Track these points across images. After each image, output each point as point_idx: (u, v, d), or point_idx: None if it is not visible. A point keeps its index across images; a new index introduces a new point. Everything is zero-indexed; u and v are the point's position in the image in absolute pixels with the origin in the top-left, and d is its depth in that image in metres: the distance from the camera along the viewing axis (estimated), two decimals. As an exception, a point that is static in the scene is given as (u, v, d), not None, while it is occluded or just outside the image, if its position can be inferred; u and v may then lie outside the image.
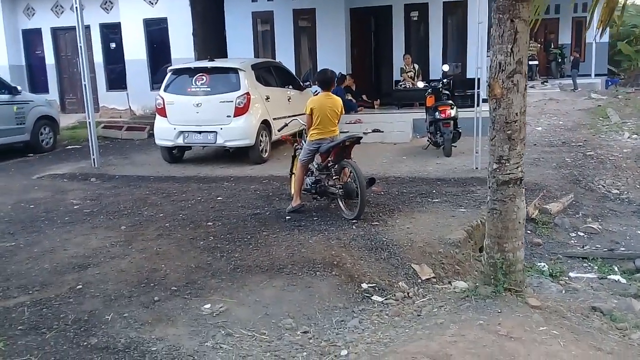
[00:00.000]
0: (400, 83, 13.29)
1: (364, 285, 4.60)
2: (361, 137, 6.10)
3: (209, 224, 6.18)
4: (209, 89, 9.46)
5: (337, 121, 6.46)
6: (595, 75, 20.51)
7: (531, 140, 10.96)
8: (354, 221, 5.91)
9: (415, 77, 12.99)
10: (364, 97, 13.60)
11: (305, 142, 6.71)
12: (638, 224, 6.60)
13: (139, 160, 10.62)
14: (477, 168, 8.35)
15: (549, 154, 9.42)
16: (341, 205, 6.13)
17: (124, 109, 15.77)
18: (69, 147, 12.62)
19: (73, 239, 5.82)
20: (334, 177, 6.10)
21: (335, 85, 12.67)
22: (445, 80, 10.40)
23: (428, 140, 10.07)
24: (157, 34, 14.73)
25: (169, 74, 9.90)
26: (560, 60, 21.45)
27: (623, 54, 23.63)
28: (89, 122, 9.88)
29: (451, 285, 4.73)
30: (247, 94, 9.33)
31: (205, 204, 7.08)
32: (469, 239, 5.56)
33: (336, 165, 6.10)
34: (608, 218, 6.80)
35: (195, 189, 8.00)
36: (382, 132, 11.10)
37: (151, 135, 13.12)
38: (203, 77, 9.52)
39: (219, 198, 7.36)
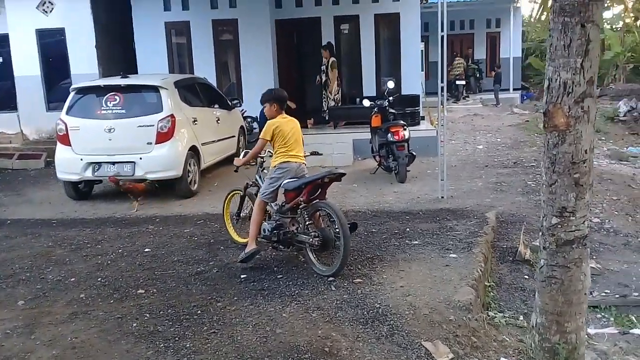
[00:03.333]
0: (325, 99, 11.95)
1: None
2: (344, 174, 4.91)
3: (140, 291, 4.72)
4: (123, 111, 7.89)
5: (301, 145, 5.27)
6: (514, 89, 20.72)
7: (479, 161, 10.34)
8: (331, 279, 4.70)
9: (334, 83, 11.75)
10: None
11: (260, 177, 5.42)
12: (637, 259, 5.91)
13: (36, 198, 8.78)
14: (442, 197, 7.43)
15: (507, 177, 8.71)
16: (312, 257, 4.89)
17: (15, 133, 13.50)
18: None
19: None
20: (306, 223, 4.84)
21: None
22: (391, 98, 9.48)
23: (380, 165, 9.05)
24: (53, 47, 12.73)
25: (72, 94, 8.20)
26: (478, 75, 21.50)
27: (534, 68, 24.24)
28: (-31, 153, 7.98)
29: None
30: (172, 116, 7.86)
31: (130, 260, 5.58)
32: (477, 297, 4.52)
33: (308, 207, 4.86)
34: (602, 254, 6.06)
35: (113, 237, 6.43)
36: (321, 154, 9.97)
37: (50, 163, 11.23)
38: (116, 96, 7.93)
39: (146, 250, 5.86)
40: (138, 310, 4.31)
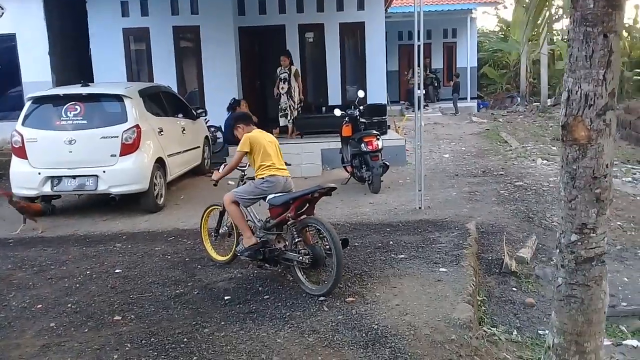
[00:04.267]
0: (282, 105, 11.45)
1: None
2: (335, 188, 4.69)
3: (117, 317, 4.36)
4: (85, 122, 7.45)
5: (282, 160, 5.06)
6: (471, 98, 21.05)
7: (448, 170, 10.34)
8: (322, 298, 4.48)
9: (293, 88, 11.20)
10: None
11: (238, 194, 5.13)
12: (621, 269, 5.92)
13: (-11, 215, 8.18)
14: (420, 208, 7.32)
15: (478, 186, 8.71)
16: (300, 276, 4.65)
17: (-40, 145, 12.72)
18: None
19: None
20: (295, 240, 4.60)
21: (229, 112, 11.32)
22: (361, 108, 9.36)
23: (352, 175, 8.89)
24: (3, 53, 12.07)
25: (28, 103, 7.69)
26: (436, 84, 21.75)
27: (488, 77, 24.75)
28: None
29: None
30: (137, 126, 7.47)
31: (100, 282, 5.19)
32: (475, 314, 4.38)
33: (296, 224, 4.62)
34: (584, 263, 6.04)
35: (79, 257, 6.00)
36: (290, 164, 9.76)
37: (1, 177, 10.57)
38: (76, 106, 7.48)
39: (117, 270, 5.48)
40: (117, 340, 3.97)
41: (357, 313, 4.23)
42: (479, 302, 4.99)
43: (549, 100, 19.55)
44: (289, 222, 4.63)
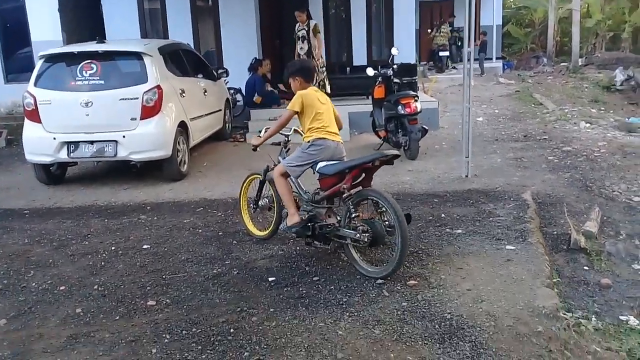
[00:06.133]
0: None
1: None
2: (398, 155, 4.10)
3: (151, 302, 3.87)
4: (101, 82, 6.86)
5: (335, 124, 4.44)
6: (496, 58, 20.18)
7: (486, 134, 9.71)
8: (380, 281, 3.96)
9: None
10: (281, 86, 11.42)
11: (283, 159, 4.56)
12: None
13: (0, 183, 7.69)
14: (467, 176, 6.74)
15: (524, 152, 8.09)
16: (355, 256, 4.12)
17: (-32, 108, 12.21)
18: None
19: None
20: (352, 215, 4.05)
21: (251, 73, 10.66)
22: (395, 67, 8.69)
23: (386, 141, 8.29)
24: (10, 12, 11.42)
25: (40, 62, 7.10)
26: (459, 44, 20.79)
27: (511, 36, 23.74)
28: None
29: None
30: (158, 87, 6.88)
31: (128, 260, 4.69)
32: (560, 299, 3.85)
33: (352, 196, 4.06)
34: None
35: (101, 230, 5.51)
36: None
37: (11, 142, 10.11)
38: (92, 65, 6.89)
39: (144, 246, 4.98)
40: (153, 330, 3.48)
41: (423, 299, 3.70)
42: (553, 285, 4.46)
43: (580, 60, 18.62)
44: (344, 195, 4.07)
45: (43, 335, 3.49)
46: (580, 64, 18.46)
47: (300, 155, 4.29)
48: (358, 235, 3.93)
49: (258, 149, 4.68)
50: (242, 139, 9.79)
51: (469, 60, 6.66)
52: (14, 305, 3.93)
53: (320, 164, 4.20)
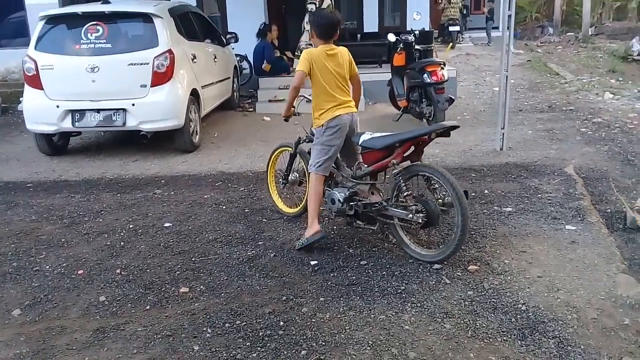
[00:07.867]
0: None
1: None
2: (458, 126, 3.65)
3: (183, 290, 3.46)
4: (108, 46, 6.34)
5: (348, 89, 3.97)
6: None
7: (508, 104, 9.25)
8: (436, 266, 3.57)
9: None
10: (288, 54, 10.86)
11: (313, 131, 4.07)
12: None
13: (1, 153, 7.18)
14: (501, 149, 6.34)
15: (553, 123, 7.68)
16: (405, 238, 3.72)
17: (-41, 74, 11.55)
18: None
19: None
20: (404, 193, 3.62)
21: (259, 39, 10.09)
22: (417, 32, 8.20)
23: (407, 111, 7.84)
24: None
25: (41, 24, 6.53)
26: (465, 12, 20.18)
27: (516, 5, 23.11)
28: None
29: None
30: (170, 52, 6.36)
31: (149, 240, 4.27)
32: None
33: (403, 172, 3.64)
34: None
35: (115, 206, 5.06)
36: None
37: (6, 110, 9.56)
38: (98, 27, 6.35)
39: (166, 224, 4.55)
40: (192, 322, 3.07)
41: (490, 287, 3.32)
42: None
43: (590, 29, 18.10)
44: (394, 171, 3.64)
45: (65, 328, 3.08)
46: (590, 33, 17.95)
47: (321, 148, 3.83)
48: (410, 215, 3.51)
49: (288, 119, 4.20)
50: (251, 109, 9.30)
51: (508, 27, 6.17)
52: (28, 292, 3.51)
53: (364, 137, 3.75)
